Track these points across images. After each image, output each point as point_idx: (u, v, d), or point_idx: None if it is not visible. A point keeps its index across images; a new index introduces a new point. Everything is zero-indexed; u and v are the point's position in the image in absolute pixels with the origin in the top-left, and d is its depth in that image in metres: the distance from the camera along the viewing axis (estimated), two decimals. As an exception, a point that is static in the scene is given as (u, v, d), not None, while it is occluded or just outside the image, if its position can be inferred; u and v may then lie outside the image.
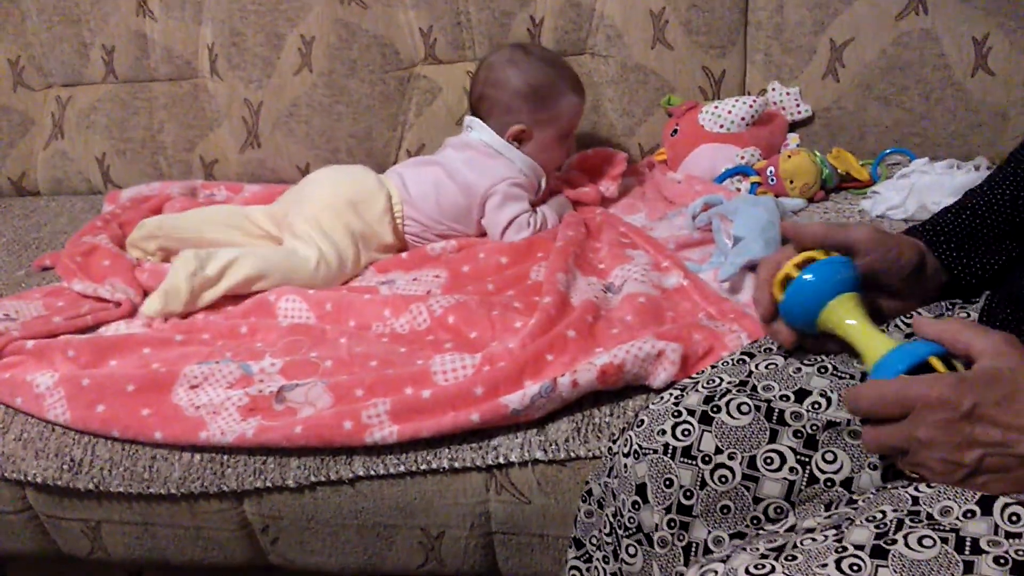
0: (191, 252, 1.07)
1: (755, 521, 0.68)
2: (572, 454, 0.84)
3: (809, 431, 0.68)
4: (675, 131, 1.32)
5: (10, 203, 1.54)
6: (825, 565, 0.54)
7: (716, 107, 1.28)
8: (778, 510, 0.67)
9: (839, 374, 0.71)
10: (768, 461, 0.67)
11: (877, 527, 0.56)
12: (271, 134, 1.44)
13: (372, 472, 0.87)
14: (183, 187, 1.40)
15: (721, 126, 1.27)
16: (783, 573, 0.54)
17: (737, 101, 1.28)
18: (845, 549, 0.55)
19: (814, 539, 0.57)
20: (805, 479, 0.67)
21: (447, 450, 0.86)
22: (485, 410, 0.85)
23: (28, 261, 1.29)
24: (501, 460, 0.85)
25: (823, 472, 0.67)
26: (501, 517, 0.88)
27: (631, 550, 0.73)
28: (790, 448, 0.67)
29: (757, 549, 0.59)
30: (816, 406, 0.69)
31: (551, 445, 0.85)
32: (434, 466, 0.86)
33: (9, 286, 1.21)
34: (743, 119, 1.26)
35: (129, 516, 0.94)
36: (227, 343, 0.97)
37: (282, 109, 1.43)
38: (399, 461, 0.86)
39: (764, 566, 0.56)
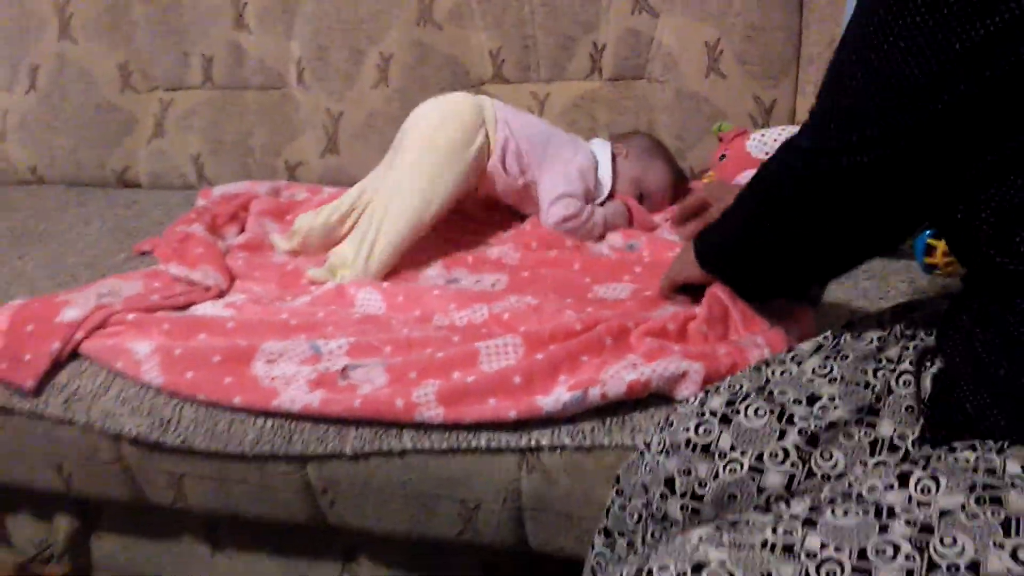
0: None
1: (756, 510, 0.76)
2: (596, 443, 0.93)
3: (813, 430, 0.76)
4: (723, 156, 1.39)
5: (114, 194, 1.67)
6: (763, 531, 0.63)
7: (763, 135, 1.35)
8: (777, 500, 0.75)
9: (846, 381, 0.79)
10: (773, 455, 0.76)
11: (812, 502, 0.65)
12: (349, 142, 1.57)
13: (419, 447, 0.96)
14: (268, 187, 1.53)
15: (766, 153, 1.34)
16: (728, 537, 0.64)
17: (784, 130, 1.35)
18: (782, 518, 0.64)
19: (764, 514, 0.66)
20: (804, 473, 0.75)
21: (486, 432, 0.95)
22: (522, 409, 0.94)
23: (128, 246, 1.41)
24: (533, 444, 0.94)
25: (819, 468, 0.75)
26: (531, 494, 0.96)
27: (655, 534, 0.82)
28: (795, 445, 0.76)
29: (718, 525, 0.68)
30: (823, 409, 0.77)
31: (578, 433, 0.93)
32: (474, 445, 0.95)
33: (111, 268, 1.33)
34: None
35: (208, 471, 1.05)
36: (302, 324, 1.08)
37: (360, 119, 1.55)
38: (443, 439, 0.96)
39: (715, 536, 0.65)
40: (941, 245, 1.12)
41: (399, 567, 1.14)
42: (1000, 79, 0.60)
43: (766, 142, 1.34)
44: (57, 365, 1.09)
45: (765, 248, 0.85)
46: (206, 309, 1.16)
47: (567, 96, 1.49)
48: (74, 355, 1.10)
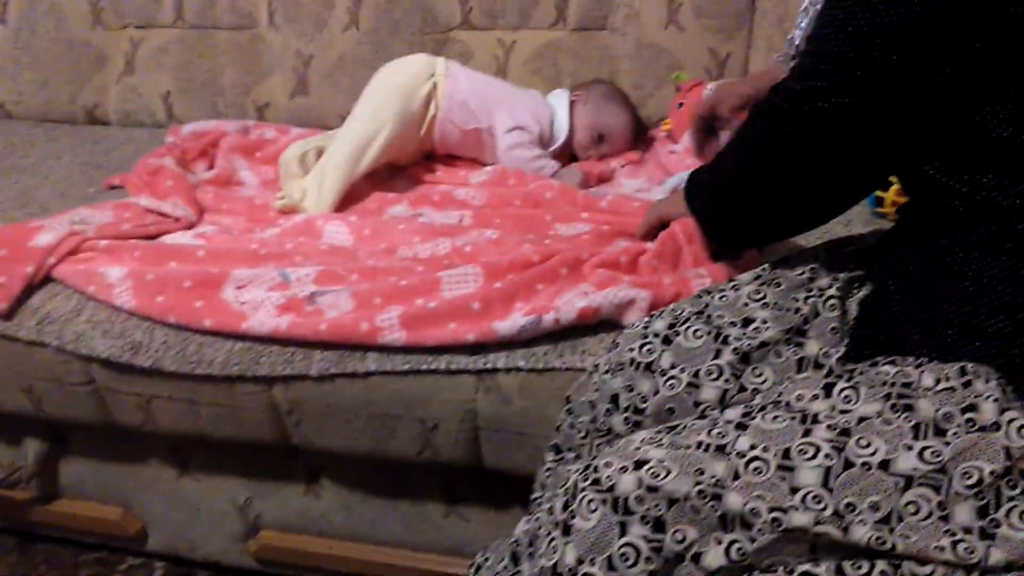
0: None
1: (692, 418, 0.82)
2: (549, 365, 0.99)
3: (745, 349, 0.82)
4: (681, 104, 1.45)
5: (84, 131, 1.68)
6: (699, 434, 0.70)
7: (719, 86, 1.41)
8: (712, 410, 0.82)
9: (778, 307, 0.85)
10: (709, 372, 0.82)
11: (746, 408, 0.72)
12: (319, 84, 1.59)
13: (382, 368, 1.01)
14: (237, 126, 1.54)
15: (722, 103, 1.40)
16: (668, 439, 0.71)
17: (740, 82, 1.40)
18: (716, 423, 0.71)
19: (701, 420, 0.73)
20: (736, 388, 0.82)
21: (445, 355, 1.01)
22: (479, 333, 0.99)
23: (98, 180, 1.43)
24: (489, 366, 0.99)
25: (751, 383, 0.81)
26: (487, 414, 1.02)
27: (600, 447, 0.88)
28: (728, 363, 0.82)
29: (659, 430, 0.74)
30: (756, 330, 0.83)
31: (532, 356, 0.99)
32: (433, 367, 1.00)
33: (82, 200, 1.33)
34: None
35: (177, 393, 1.09)
36: (271, 253, 1.12)
37: (330, 62, 1.58)
38: (404, 361, 1.01)
39: (656, 438, 0.72)
40: (889, 195, 1.19)
41: (361, 488, 1.20)
42: (963, 32, 0.65)
43: (722, 92, 1.40)
44: (30, 289, 1.12)
45: (752, 190, 0.86)
46: (176, 239, 1.20)
47: (532, 44, 1.52)
48: (47, 280, 1.13)
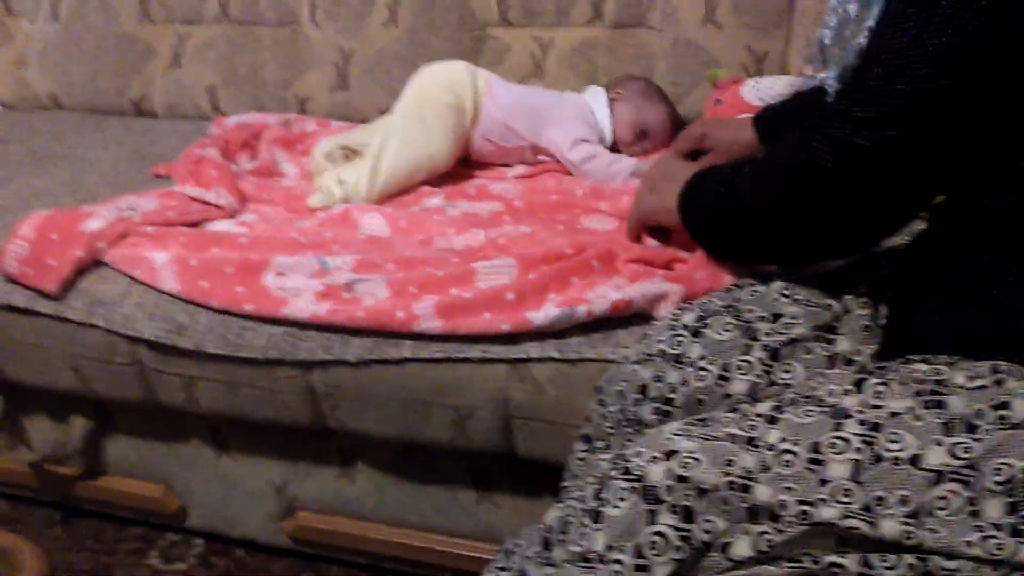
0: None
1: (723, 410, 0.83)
2: (582, 356, 1.00)
3: (775, 345, 0.83)
4: (718, 101, 1.45)
5: (131, 122, 1.73)
6: (729, 426, 0.71)
7: (757, 82, 1.41)
8: (742, 403, 0.83)
9: (810, 304, 0.86)
10: (739, 367, 0.83)
11: (777, 402, 0.72)
12: (358, 79, 1.62)
13: (418, 356, 1.04)
14: (279, 119, 1.58)
15: (760, 100, 1.40)
16: (698, 430, 0.72)
17: (778, 79, 1.40)
18: (747, 416, 0.72)
19: (731, 413, 0.74)
20: (767, 383, 0.83)
21: (480, 344, 1.03)
22: (514, 322, 1.01)
23: (145, 170, 1.46)
24: (523, 355, 1.01)
25: (781, 379, 0.83)
26: (519, 403, 1.03)
27: (630, 437, 0.90)
28: (759, 359, 0.83)
29: (689, 421, 0.75)
30: (787, 326, 0.84)
31: (565, 346, 1.01)
32: (468, 355, 1.02)
33: (129, 188, 1.36)
34: (781, 96, 1.39)
35: (219, 375, 1.12)
36: (311, 242, 1.14)
37: (369, 58, 1.60)
38: (440, 349, 1.03)
39: (686, 429, 0.73)
40: None
41: (394, 473, 1.22)
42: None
43: (760, 89, 1.40)
44: (80, 272, 1.16)
45: (790, 225, 0.81)
46: (219, 226, 1.23)
47: (569, 42, 1.54)
48: (96, 263, 1.17)
